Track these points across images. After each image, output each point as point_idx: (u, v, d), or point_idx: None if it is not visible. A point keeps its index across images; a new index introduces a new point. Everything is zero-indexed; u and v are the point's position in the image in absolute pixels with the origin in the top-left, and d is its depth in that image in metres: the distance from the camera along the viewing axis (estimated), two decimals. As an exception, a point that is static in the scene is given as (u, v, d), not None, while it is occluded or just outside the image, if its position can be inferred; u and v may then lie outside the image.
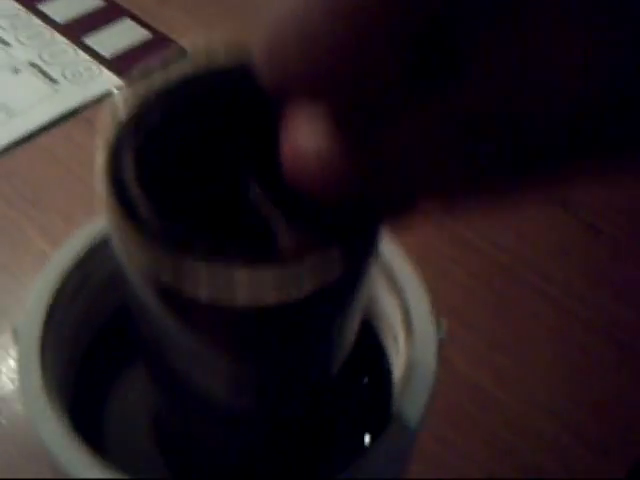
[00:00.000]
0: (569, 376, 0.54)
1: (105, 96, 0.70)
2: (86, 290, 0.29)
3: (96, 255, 0.29)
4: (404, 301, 0.29)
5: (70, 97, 0.69)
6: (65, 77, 0.71)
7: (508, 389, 0.53)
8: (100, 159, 0.19)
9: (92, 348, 0.27)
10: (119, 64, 0.72)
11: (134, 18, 0.76)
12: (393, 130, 0.16)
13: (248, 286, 0.17)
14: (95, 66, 0.72)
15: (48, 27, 0.74)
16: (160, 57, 0.20)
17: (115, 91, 0.39)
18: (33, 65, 0.71)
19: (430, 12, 0.14)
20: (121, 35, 0.75)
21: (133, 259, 0.17)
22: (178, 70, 0.21)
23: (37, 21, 0.75)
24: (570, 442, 0.51)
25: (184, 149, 0.19)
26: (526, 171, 0.15)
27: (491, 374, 0.54)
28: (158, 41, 0.74)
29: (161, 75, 0.20)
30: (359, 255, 0.19)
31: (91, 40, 0.74)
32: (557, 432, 0.51)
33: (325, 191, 0.17)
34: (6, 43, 0.73)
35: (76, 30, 0.75)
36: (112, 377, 0.30)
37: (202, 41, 0.22)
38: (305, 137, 0.17)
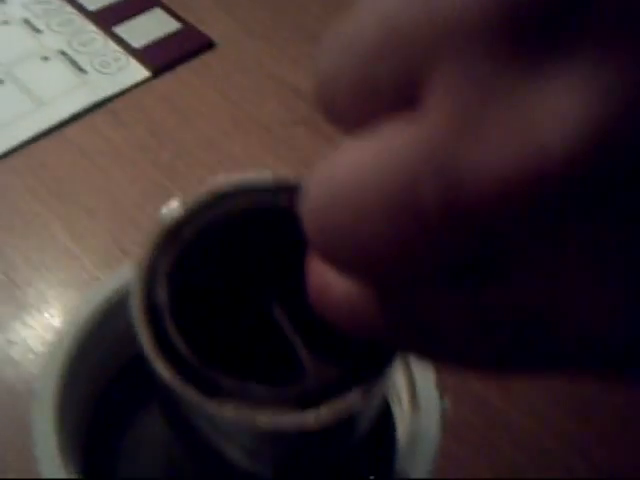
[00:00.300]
0: (579, 395, 0.54)
1: (132, 88, 0.70)
2: (104, 342, 0.29)
3: (116, 309, 0.30)
4: (410, 372, 0.29)
5: (98, 88, 0.69)
6: (94, 67, 0.71)
7: (515, 405, 0.54)
8: (136, 285, 0.20)
9: (107, 392, 0.28)
10: (147, 55, 0.72)
11: (164, 8, 0.76)
12: (424, 301, 0.17)
13: (268, 424, 0.18)
14: (124, 57, 0.72)
15: (80, 15, 0.75)
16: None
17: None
18: (63, 53, 0.72)
19: (472, 249, 0.15)
20: (151, 25, 0.75)
21: (163, 380, 0.18)
22: (212, 194, 0.22)
23: (69, 8, 0.75)
24: (578, 464, 0.52)
25: (215, 269, 0.21)
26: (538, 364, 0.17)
27: (499, 389, 0.54)
28: (187, 32, 0.75)
29: (195, 200, 0.22)
30: (377, 386, 0.20)
31: (121, 29, 0.74)
32: (565, 453, 0.52)
33: (348, 328, 0.18)
34: (37, 30, 0.74)
35: (107, 19, 0.75)
36: (126, 420, 0.31)
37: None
38: (333, 273, 0.18)
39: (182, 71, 0.72)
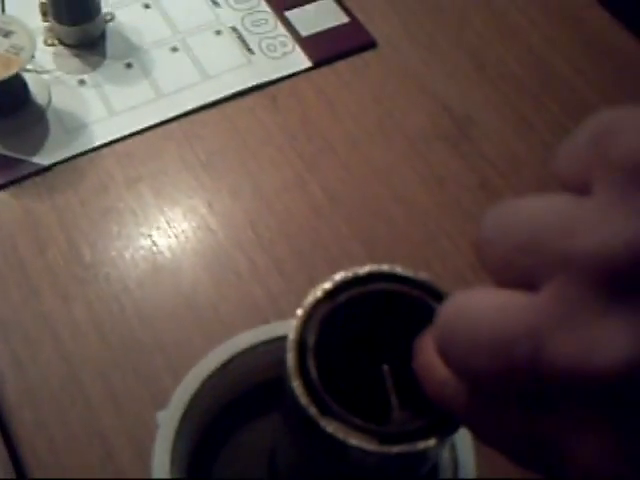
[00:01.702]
0: None
1: (292, 75, 0.75)
2: (219, 387, 0.34)
3: (233, 364, 0.35)
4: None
5: (261, 71, 0.74)
6: (261, 49, 0.76)
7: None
8: (291, 360, 0.27)
9: (211, 423, 0.33)
10: (312, 45, 0.76)
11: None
12: (497, 411, 0.24)
13: (356, 444, 0.26)
14: (290, 43, 0.76)
15: (257, -7, 0.79)
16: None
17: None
18: (234, 30, 0.77)
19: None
20: (321, 15, 0.79)
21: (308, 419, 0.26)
22: (360, 275, 0.29)
23: (248, -15, 0.79)
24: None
25: (346, 338, 0.28)
26: None
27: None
28: (354, 28, 0.78)
29: (345, 277, 0.29)
30: (444, 442, 0.27)
31: (292, 14, 0.78)
32: None
33: (435, 400, 0.25)
34: (216, 3, 0.78)
35: (281, 1, 0.79)
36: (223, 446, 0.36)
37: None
38: (438, 359, 0.25)
39: (341, 66, 0.76)
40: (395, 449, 0.26)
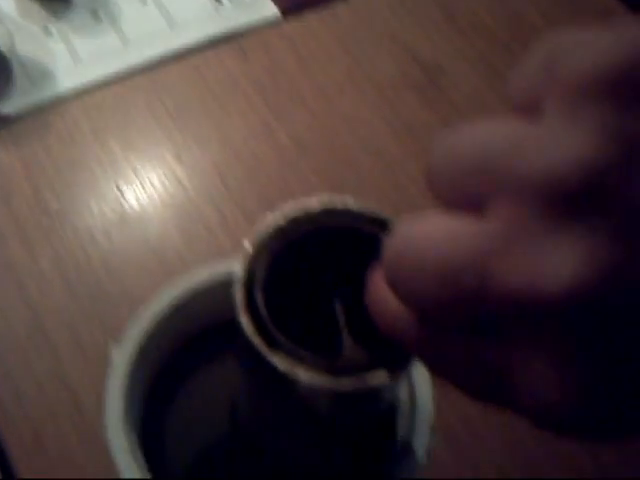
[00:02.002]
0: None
1: (261, 26, 0.74)
2: (175, 324, 0.34)
3: (189, 300, 0.35)
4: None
5: (230, 21, 0.73)
6: (229, -1, 0.75)
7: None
8: (240, 295, 0.27)
9: (168, 363, 0.33)
10: (282, -6, 0.75)
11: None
12: (445, 338, 0.24)
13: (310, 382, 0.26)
14: (260, -8, 0.75)
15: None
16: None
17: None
18: (203, -21, 0.76)
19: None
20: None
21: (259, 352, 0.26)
22: (312, 210, 0.28)
23: None
24: (584, 460, 0.55)
25: (297, 274, 0.28)
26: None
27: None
28: (324, -23, 0.77)
29: (295, 212, 0.28)
30: (397, 375, 0.27)
31: (262, -37, 0.77)
32: (574, 446, 0.55)
33: (388, 332, 0.25)
34: (184, -48, 0.77)
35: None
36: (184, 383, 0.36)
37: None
38: (390, 292, 0.24)
39: (311, 18, 0.75)
40: (346, 383, 0.25)
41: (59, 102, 0.69)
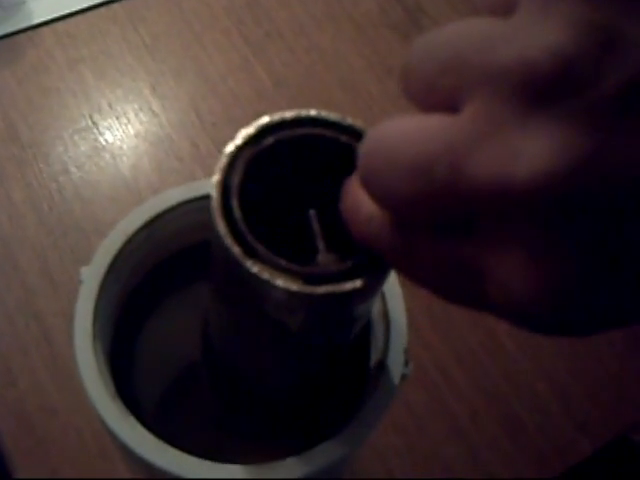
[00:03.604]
0: (578, 351, 0.58)
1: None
2: (146, 246, 0.34)
3: (159, 221, 0.34)
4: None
5: (208, -48, 0.72)
6: None
7: (519, 344, 0.57)
8: (215, 201, 0.26)
9: (138, 288, 0.32)
10: None
11: None
12: (420, 239, 0.23)
13: (287, 289, 0.26)
14: None
15: None
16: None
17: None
18: None
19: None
20: None
21: (233, 261, 0.26)
22: (286, 119, 0.27)
23: None
24: (556, 409, 0.55)
25: (272, 184, 0.28)
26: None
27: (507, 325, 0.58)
28: None
29: (269, 121, 0.28)
30: (372, 283, 0.27)
31: None
32: (548, 398, 0.56)
33: (363, 238, 0.25)
34: None
35: None
36: (151, 310, 0.35)
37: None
38: (365, 196, 0.24)
39: (291, -49, 0.74)
40: (320, 289, 0.25)
41: (33, 31, 0.67)
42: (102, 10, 0.69)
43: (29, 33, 0.67)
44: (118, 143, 0.63)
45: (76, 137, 0.63)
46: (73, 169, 0.62)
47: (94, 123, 0.64)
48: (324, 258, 0.27)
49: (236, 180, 0.26)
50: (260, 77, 0.67)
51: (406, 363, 0.34)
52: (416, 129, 0.21)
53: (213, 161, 0.63)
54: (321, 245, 0.28)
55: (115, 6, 0.69)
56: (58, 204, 0.60)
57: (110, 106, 0.65)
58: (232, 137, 0.63)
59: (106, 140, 0.63)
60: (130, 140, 0.63)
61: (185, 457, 0.31)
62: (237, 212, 0.26)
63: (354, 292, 0.26)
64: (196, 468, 0.31)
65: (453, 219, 0.22)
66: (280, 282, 0.25)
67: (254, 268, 0.25)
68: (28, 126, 0.63)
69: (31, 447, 0.53)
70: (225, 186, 0.26)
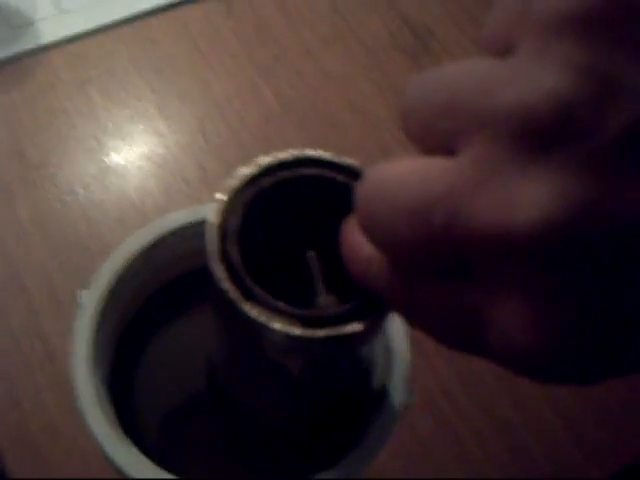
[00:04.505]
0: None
1: (249, -19, 0.72)
2: (147, 270, 0.33)
3: (161, 245, 0.34)
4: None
5: (217, -26, 0.72)
6: (218, -48, 0.73)
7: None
8: (213, 244, 0.26)
9: (139, 313, 0.32)
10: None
11: None
12: (418, 282, 0.23)
13: (285, 333, 0.25)
14: (248, -53, 0.74)
15: None
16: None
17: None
18: None
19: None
20: None
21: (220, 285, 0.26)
22: (284, 159, 0.28)
23: None
24: (564, 436, 0.55)
25: (271, 225, 0.28)
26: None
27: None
28: None
29: (270, 161, 0.28)
30: (373, 326, 0.27)
31: None
32: (556, 424, 0.55)
33: (362, 279, 0.25)
34: None
35: None
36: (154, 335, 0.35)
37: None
38: (363, 238, 0.24)
39: (300, -27, 0.74)
40: (320, 333, 0.25)
41: (41, 51, 0.67)
42: (110, 31, 0.69)
43: (37, 54, 0.67)
44: (124, 164, 0.63)
45: (83, 158, 0.63)
46: (79, 190, 0.62)
47: (101, 144, 0.64)
48: (324, 300, 0.27)
49: (234, 223, 0.26)
50: (267, 100, 0.67)
51: (410, 391, 0.34)
52: (414, 173, 0.21)
53: (219, 182, 0.63)
54: (321, 287, 0.27)
55: (123, 27, 0.69)
56: (65, 225, 0.60)
57: (117, 127, 0.65)
58: (239, 159, 0.63)
59: (112, 161, 0.63)
60: (136, 161, 0.63)
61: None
62: (235, 256, 0.26)
63: (355, 335, 0.25)
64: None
65: (453, 264, 0.21)
66: (278, 325, 0.25)
67: (252, 312, 0.25)
68: (35, 146, 0.63)
69: (34, 469, 0.52)
70: (223, 227, 0.26)
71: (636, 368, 0.21)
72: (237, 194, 0.27)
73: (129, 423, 0.34)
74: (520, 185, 0.19)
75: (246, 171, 0.27)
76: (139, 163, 0.63)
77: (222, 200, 0.27)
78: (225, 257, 0.26)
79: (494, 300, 0.21)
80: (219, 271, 0.25)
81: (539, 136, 0.19)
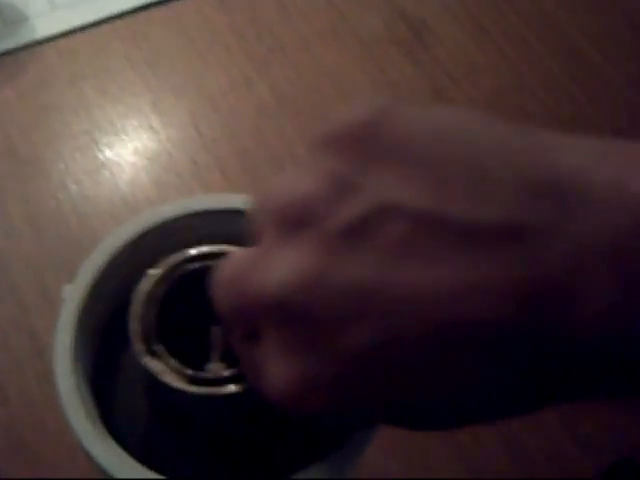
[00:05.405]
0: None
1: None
2: (131, 263, 0.33)
3: (145, 239, 0.34)
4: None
5: (211, -32, 0.71)
6: (212, -54, 0.73)
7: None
8: (137, 306, 0.31)
9: (123, 307, 0.32)
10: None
11: None
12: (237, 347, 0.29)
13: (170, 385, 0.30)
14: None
15: None
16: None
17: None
18: None
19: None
20: None
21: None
22: (182, 259, 0.32)
23: None
24: (559, 429, 0.54)
25: (191, 301, 0.31)
26: None
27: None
28: None
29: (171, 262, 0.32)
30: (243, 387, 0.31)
31: None
32: (551, 418, 0.54)
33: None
34: None
35: None
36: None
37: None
38: None
39: (296, -33, 0.73)
40: (199, 390, 0.30)
41: (34, 47, 0.67)
42: (104, 26, 0.69)
43: (31, 49, 0.67)
44: (117, 158, 0.62)
45: (75, 153, 0.63)
46: (72, 185, 0.61)
47: (93, 139, 0.63)
48: (214, 366, 0.31)
49: (160, 293, 0.31)
50: (262, 93, 0.66)
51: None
52: (230, 260, 0.27)
53: (211, 176, 0.63)
54: (215, 355, 0.32)
55: (117, 22, 0.69)
56: (56, 220, 0.60)
57: (110, 122, 0.64)
58: (232, 154, 0.62)
59: (105, 156, 0.63)
60: (129, 156, 0.63)
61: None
62: (150, 318, 0.31)
63: (232, 395, 0.30)
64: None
65: (250, 329, 0.26)
66: (167, 378, 0.30)
67: (149, 363, 0.30)
68: (27, 142, 0.63)
69: (22, 465, 0.52)
70: (151, 295, 0.31)
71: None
72: (169, 271, 0.32)
73: (112, 419, 0.33)
74: (276, 260, 0.24)
75: (185, 254, 0.32)
76: (132, 158, 0.63)
77: (156, 273, 0.32)
78: (143, 318, 0.31)
79: (261, 354, 0.26)
80: (133, 328, 0.31)
81: (289, 222, 0.24)
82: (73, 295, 0.33)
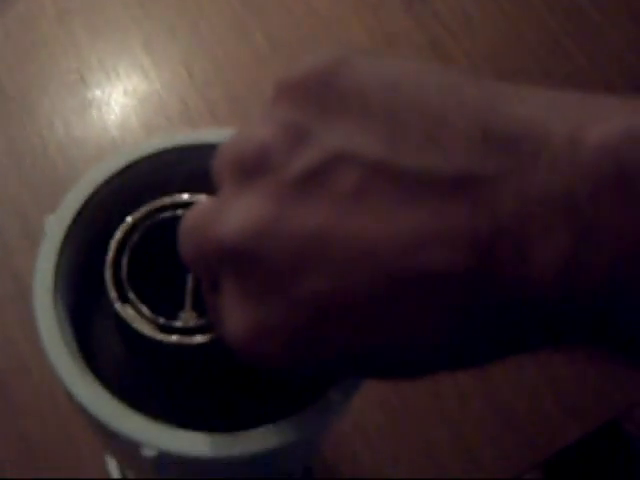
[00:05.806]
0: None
1: None
2: (116, 197, 0.32)
3: (130, 171, 0.33)
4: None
5: None
6: None
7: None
8: (110, 255, 0.31)
9: (105, 240, 0.31)
10: None
11: None
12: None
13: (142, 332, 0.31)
14: None
15: None
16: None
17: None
18: None
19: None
20: None
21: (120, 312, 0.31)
22: (155, 206, 0.32)
23: None
24: (545, 392, 0.54)
25: (155, 253, 0.32)
26: None
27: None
28: None
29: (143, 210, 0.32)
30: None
31: None
32: (537, 381, 0.54)
33: None
34: None
35: None
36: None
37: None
38: None
39: None
40: (168, 339, 0.30)
41: (23, -19, 0.65)
42: (96, -37, 0.67)
43: (19, -17, 0.65)
44: (106, 99, 0.61)
45: (63, 92, 0.61)
46: (58, 124, 0.60)
47: (82, 78, 0.62)
48: (186, 315, 0.31)
49: (133, 241, 0.31)
50: (256, 38, 0.64)
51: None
52: (195, 209, 0.27)
53: (200, 119, 0.61)
54: (187, 304, 0.31)
55: (110, -41, 0.67)
56: (41, 160, 0.58)
57: (100, 62, 0.63)
58: (223, 98, 0.61)
59: (94, 95, 0.61)
60: (119, 97, 0.61)
61: (147, 422, 0.29)
62: (124, 267, 0.31)
63: (200, 345, 0.30)
64: (159, 434, 0.29)
65: (214, 278, 0.26)
66: (137, 325, 0.30)
67: (120, 309, 0.30)
68: (13, 79, 0.61)
69: (3, 411, 0.51)
70: (124, 243, 0.31)
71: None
72: (141, 220, 0.32)
73: (94, 355, 0.33)
74: (232, 209, 0.24)
75: (156, 204, 0.32)
76: (122, 99, 0.61)
77: (129, 222, 0.31)
78: (115, 265, 0.31)
79: (223, 304, 0.26)
80: (108, 276, 0.31)
81: (246, 171, 0.24)
82: (55, 227, 0.32)
